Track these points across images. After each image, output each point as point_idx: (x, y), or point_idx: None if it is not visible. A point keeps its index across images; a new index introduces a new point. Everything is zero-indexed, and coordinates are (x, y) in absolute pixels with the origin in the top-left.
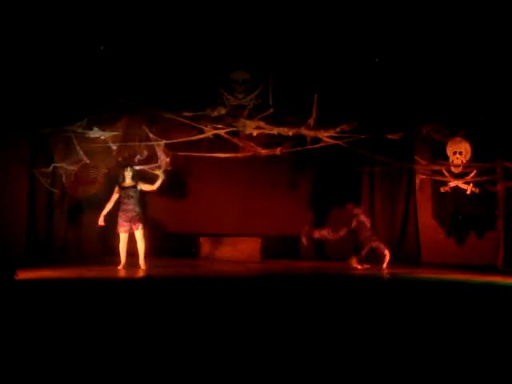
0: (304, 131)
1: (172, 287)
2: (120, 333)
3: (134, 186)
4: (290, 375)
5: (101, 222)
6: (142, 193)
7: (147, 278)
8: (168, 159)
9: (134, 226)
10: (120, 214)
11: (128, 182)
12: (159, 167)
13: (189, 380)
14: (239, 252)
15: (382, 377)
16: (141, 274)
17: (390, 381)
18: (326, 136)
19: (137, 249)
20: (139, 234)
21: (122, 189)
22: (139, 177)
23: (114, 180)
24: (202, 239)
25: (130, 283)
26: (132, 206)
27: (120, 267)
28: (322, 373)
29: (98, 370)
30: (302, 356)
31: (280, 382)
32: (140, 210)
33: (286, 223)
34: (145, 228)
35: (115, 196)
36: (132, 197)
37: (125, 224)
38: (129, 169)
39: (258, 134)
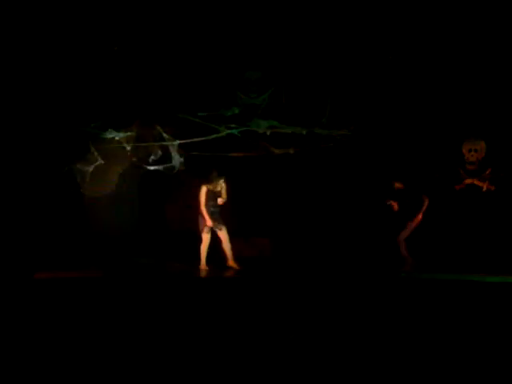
0: (318, 130)
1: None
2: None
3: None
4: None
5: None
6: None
7: None
8: (182, 159)
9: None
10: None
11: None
12: (173, 168)
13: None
14: (250, 251)
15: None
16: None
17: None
18: (340, 134)
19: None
20: (225, 236)
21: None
22: None
23: (128, 181)
24: None
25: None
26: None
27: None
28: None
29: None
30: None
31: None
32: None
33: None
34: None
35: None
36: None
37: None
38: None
39: (271, 133)
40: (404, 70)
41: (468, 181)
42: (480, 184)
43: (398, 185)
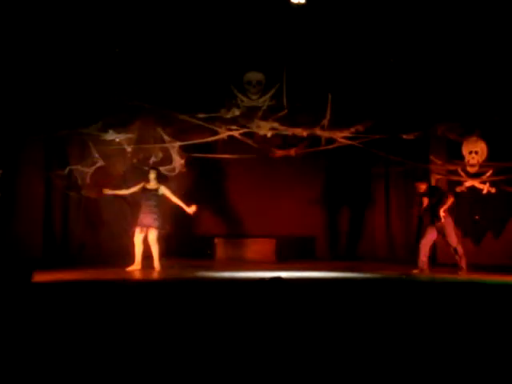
0: (318, 132)
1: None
2: (135, 335)
3: (156, 190)
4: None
5: (106, 191)
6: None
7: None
8: (183, 161)
9: (148, 228)
10: (140, 214)
11: (151, 184)
12: (174, 169)
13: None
14: (254, 253)
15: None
16: (155, 275)
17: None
18: (340, 137)
19: (151, 251)
20: (152, 237)
21: (145, 190)
22: (163, 181)
23: (129, 182)
24: (216, 240)
25: (145, 285)
26: (150, 209)
27: (130, 268)
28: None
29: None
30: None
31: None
32: (157, 213)
33: (301, 224)
34: (160, 231)
35: (134, 189)
36: (152, 199)
37: (141, 225)
38: (152, 171)
39: (272, 135)
40: (404, 72)
41: (469, 183)
42: (481, 186)
43: (421, 186)
